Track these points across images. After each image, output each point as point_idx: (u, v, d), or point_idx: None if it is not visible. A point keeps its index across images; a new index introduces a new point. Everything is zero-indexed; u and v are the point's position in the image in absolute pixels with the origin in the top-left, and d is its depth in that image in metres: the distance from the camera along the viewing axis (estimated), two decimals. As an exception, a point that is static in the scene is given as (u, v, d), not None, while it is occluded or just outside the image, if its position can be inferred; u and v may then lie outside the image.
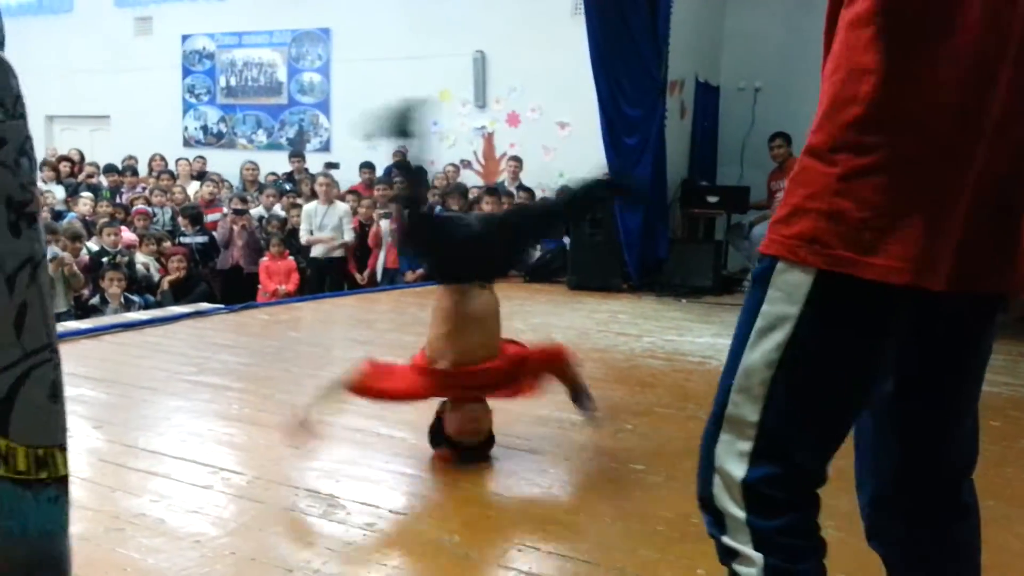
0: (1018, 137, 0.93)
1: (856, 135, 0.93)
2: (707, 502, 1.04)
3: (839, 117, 0.94)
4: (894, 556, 1.16)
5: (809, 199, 0.96)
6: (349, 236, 6.98)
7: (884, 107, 0.91)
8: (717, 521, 1.02)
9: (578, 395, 2.70)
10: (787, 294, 0.98)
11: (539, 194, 7.55)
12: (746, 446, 1.00)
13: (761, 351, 0.99)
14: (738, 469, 1.00)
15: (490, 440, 2.55)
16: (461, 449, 2.49)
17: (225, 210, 7.36)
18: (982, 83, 0.90)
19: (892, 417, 1.08)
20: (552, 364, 2.62)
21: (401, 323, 5.05)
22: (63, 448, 0.67)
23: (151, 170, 8.91)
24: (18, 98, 0.66)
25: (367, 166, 8.26)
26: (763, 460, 0.99)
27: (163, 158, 9.04)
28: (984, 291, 1.00)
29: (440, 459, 2.52)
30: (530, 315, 5.21)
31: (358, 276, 7.11)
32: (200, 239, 7.07)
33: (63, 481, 0.68)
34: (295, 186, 8.19)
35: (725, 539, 1.01)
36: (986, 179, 0.93)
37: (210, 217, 7.36)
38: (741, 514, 1.00)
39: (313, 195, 7.33)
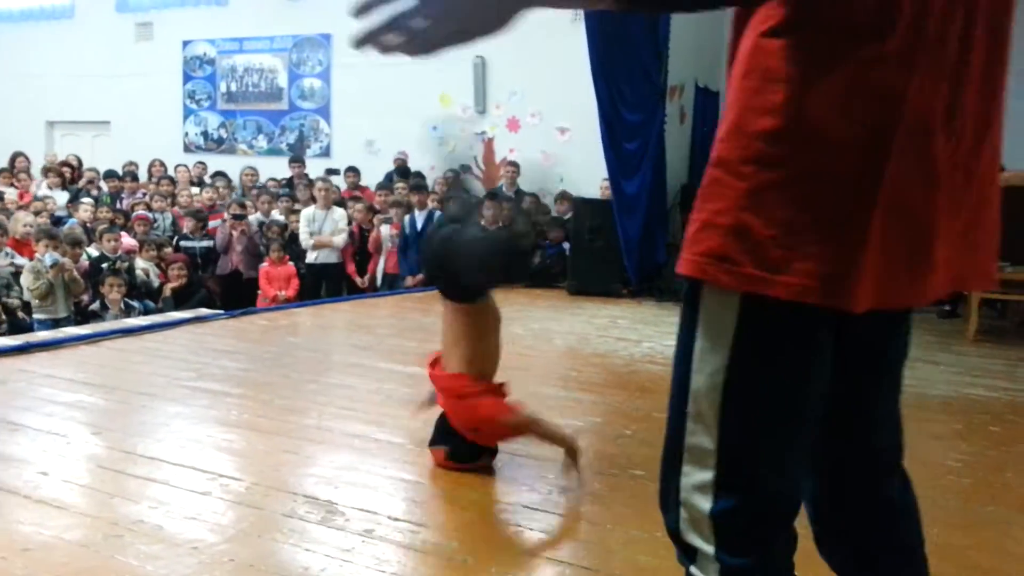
0: (930, 150, 0.90)
1: (766, 147, 0.89)
2: (676, 535, 0.99)
3: (749, 128, 0.90)
4: (839, 560, 1.14)
5: (717, 214, 0.91)
6: (339, 240, 6.98)
7: (796, 119, 0.87)
8: (687, 552, 0.99)
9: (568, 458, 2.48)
10: (717, 315, 0.93)
11: (541, 199, 7.57)
12: (708, 476, 0.95)
13: (706, 375, 0.95)
14: (704, 502, 0.95)
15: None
16: (472, 447, 2.47)
17: (225, 215, 7.37)
18: (894, 96, 0.87)
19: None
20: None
21: (402, 328, 5.05)
22: None
23: (151, 176, 8.93)
24: None
25: (351, 170, 8.28)
26: (727, 491, 0.94)
27: (163, 164, 9.06)
28: (900, 306, 0.96)
29: (437, 462, 2.50)
30: (530, 320, 5.21)
31: (359, 280, 7.12)
32: (204, 243, 7.08)
33: None
34: (291, 191, 8.22)
35: (693, 569, 0.98)
36: (898, 194, 0.89)
37: (211, 223, 7.37)
38: (710, 549, 0.95)
39: (312, 200, 7.35)
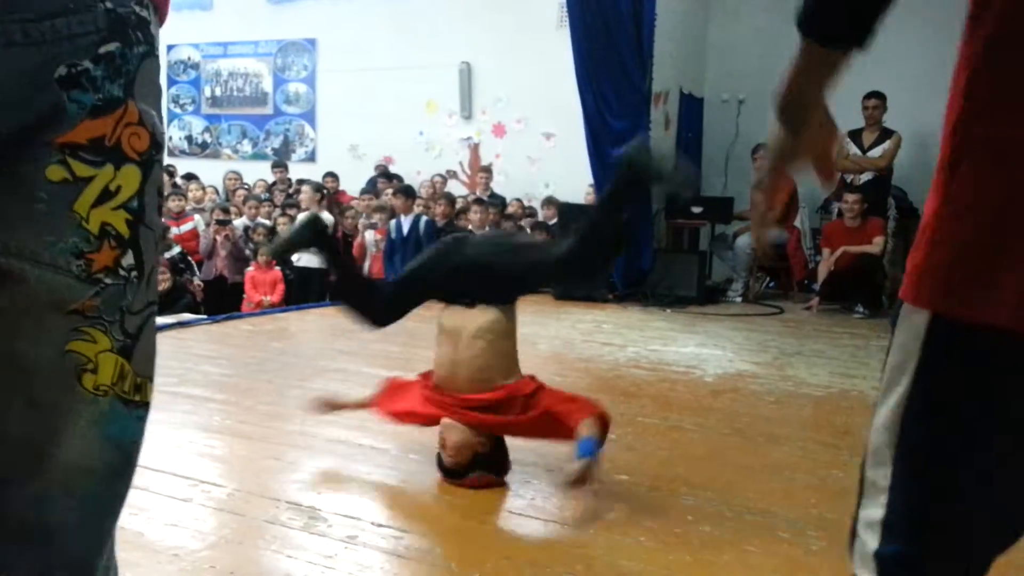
0: None
1: (956, 135, 0.80)
2: (851, 563, 0.93)
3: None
4: None
5: (924, 226, 0.81)
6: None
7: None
8: None
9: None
10: (906, 341, 0.82)
11: (525, 202, 7.58)
12: (879, 514, 0.87)
13: (886, 408, 0.85)
14: (872, 540, 0.87)
15: (473, 465, 2.40)
16: (444, 468, 2.42)
17: (196, 218, 7.32)
18: None
19: None
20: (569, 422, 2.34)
21: (387, 333, 5.00)
22: (152, 380, 0.89)
23: (129, 180, 8.87)
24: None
25: (330, 175, 8.25)
26: (894, 535, 0.85)
27: None
28: None
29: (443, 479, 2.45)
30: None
31: (340, 286, 7.10)
32: (176, 251, 7.02)
33: (148, 406, 0.89)
34: (270, 196, 8.19)
35: None
36: None
37: (182, 227, 7.25)
38: None
39: (288, 205, 7.36)
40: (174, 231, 7.30)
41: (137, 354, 0.86)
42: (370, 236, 7.06)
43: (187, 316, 5.30)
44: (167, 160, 9.53)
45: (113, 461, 0.85)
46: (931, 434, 0.83)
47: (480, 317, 2.47)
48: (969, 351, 0.79)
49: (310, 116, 9.31)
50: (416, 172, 8.37)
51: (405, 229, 6.91)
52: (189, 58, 9.88)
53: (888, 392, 0.86)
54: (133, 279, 0.82)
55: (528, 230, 6.80)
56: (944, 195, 0.80)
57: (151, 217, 0.84)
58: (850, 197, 6.28)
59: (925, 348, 0.81)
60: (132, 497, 2.39)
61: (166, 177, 8.76)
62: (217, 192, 8.77)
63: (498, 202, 7.42)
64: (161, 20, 0.90)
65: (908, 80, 6.68)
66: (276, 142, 9.51)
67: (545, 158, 7.91)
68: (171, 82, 9.98)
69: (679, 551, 2.02)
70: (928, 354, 0.81)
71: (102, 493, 0.85)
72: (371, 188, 8.05)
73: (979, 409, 0.80)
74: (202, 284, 6.82)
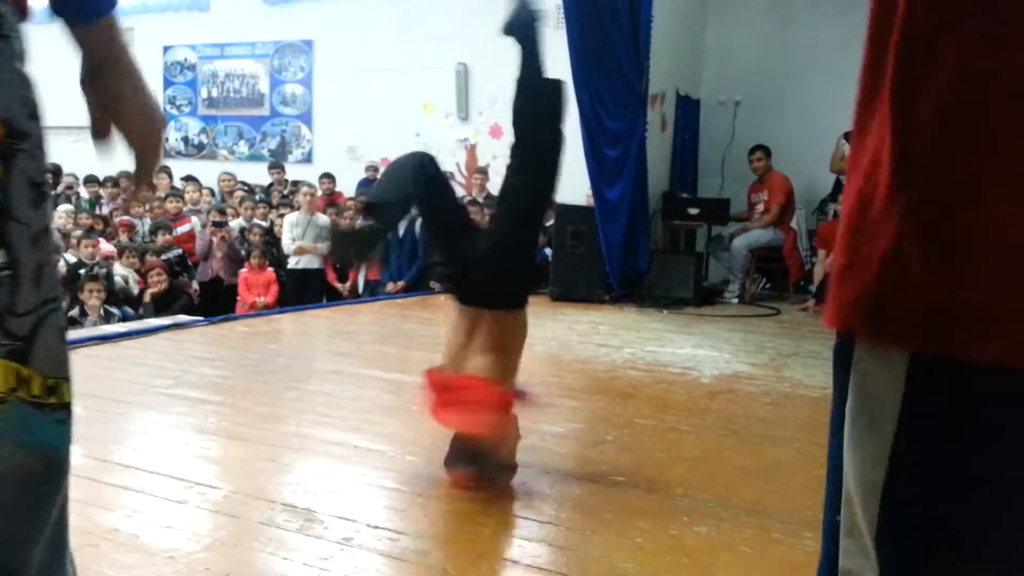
0: None
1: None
2: None
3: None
4: None
5: (871, 239, 0.67)
6: (323, 246, 6.98)
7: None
8: None
9: None
10: (876, 384, 0.66)
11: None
12: None
13: (859, 465, 0.67)
14: None
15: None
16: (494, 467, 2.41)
17: (193, 220, 7.32)
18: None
19: None
20: None
21: (383, 335, 5.03)
22: (68, 380, 0.83)
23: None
24: (36, 104, 0.83)
25: (327, 176, 8.24)
26: None
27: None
28: None
29: (458, 483, 2.42)
30: (512, 327, 5.20)
31: (340, 287, 7.09)
32: (174, 252, 7.02)
33: (67, 407, 0.83)
34: (267, 197, 8.18)
35: None
36: None
37: (178, 229, 7.25)
38: None
39: (288, 206, 7.36)
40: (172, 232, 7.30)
41: (37, 356, 0.79)
42: (367, 237, 7.06)
43: (183, 317, 5.28)
44: (170, 163, 9.57)
45: (33, 467, 0.80)
46: (934, 508, 0.64)
47: None
48: (967, 392, 0.62)
49: (307, 117, 9.31)
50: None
51: (401, 230, 6.91)
52: (186, 59, 9.88)
53: (858, 446, 0.67)
54: (5, 279, 0.76)
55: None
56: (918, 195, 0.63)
57: (22, 211, 0.77)
58: (846, 198, 6.28)
59: (908, 392, 0.64)
60: (128, 499, 2.40)
61: (165, 179, 8.77)
62: (213, 194, 8.76)
63: (495, 204, 7.43)
64: (23, 14, 0.82)
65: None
66: (273, 143, 9.50)
67: (542, 159, 7.91)
68: (167, 83, 9.97)
69: (675, 552, 2.03)
70: (912, 399, 0.64)
71: (24, 500, 0.80)
72: (367, 188, 8.04)
73: (1001, 466, 0.63)
74: (197, 287, 6.81)
